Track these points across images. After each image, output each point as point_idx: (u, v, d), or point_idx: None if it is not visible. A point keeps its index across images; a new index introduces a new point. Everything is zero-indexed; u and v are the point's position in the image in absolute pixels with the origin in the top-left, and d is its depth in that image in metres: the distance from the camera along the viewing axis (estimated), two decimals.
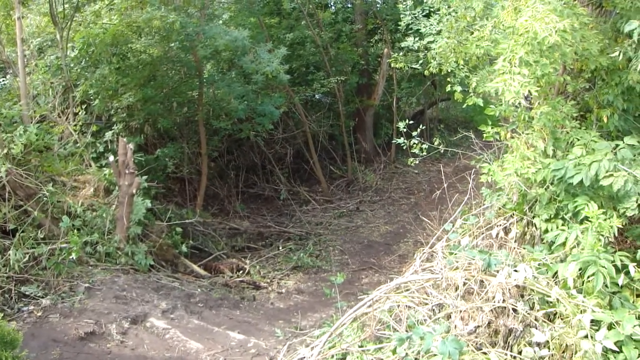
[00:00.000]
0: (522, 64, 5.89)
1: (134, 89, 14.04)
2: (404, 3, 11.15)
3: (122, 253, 10.10)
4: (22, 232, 9.19)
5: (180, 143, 15.85)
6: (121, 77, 13.79)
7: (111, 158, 10.62)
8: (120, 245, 10.13)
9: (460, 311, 5.49)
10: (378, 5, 20.45)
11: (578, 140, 6.44)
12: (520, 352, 5.14)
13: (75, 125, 12.93)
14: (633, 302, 5.66)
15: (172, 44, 13.54)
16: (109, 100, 14.12)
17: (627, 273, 5.52)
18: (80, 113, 13.40)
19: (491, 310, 5.35)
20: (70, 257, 9.00)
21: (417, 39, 10.51)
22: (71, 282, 8.87)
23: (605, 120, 6.81)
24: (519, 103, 6.32)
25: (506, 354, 5.10)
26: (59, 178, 10.88)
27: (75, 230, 9.72)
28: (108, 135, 13.53)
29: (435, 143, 9.09)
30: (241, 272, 12.34)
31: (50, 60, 13.80)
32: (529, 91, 5.90)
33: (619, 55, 6.16)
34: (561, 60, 6.36)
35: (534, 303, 5.56)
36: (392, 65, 12.55)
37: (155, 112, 14.85)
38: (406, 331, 5.84)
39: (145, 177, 11.75)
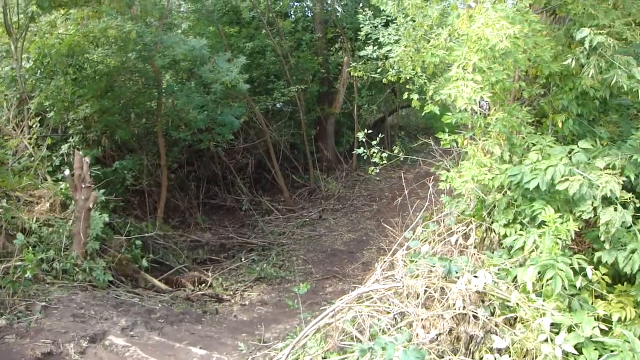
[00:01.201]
0: (475, 70, 5.93)
1: (90, 100, 13.83)
2: (364, 13, 11.18)
3: (80, 269, 9.86)
4: None
5: (139, 155, 15.63)
6: (77, 88, 13.56)
7: (67, 172, 10.38)
8: (77, 261, 9.90)
9: (422, 319, 5.48)
10: (338, 14, 20.55)
11: (534, 145, 6.51)
12: (481, 359, 5.15)
13: (30, 138, 12.67)
14: (592, 304, 5.73)
15: (130, 54, 13.39)
16: (65, 112, 13.86)
17: (585, 275, 5.58)
18: (35, 125, 13.14)
19: (452, 317, 5.35)
20: (26, 275, 8.75)
21: (376, 47, 10.53)
22: (27, 301, 8.59)
23: (560, 125, 6.88)
24: (472, 109, 6.36)
25: None
26: (13, 193, 10.62)
27: (31, 247, 9.49)
28: (64, 148, 13.29)
29: (395, 151, 9.11)
30: (203, 285, 12.18)
31: (5, 71, 13.49)
32: (481, 97, 5.94)
33: (572, 62, 6.24)
34: (514, 66, 6.44)
35: (494, 308, 5.58)
36: (352, 74, 12.58)
37: (113, 124, 14.62)
38: (369, 340, 5.80)
39: (103, 190, 11.54)
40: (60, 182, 11.52)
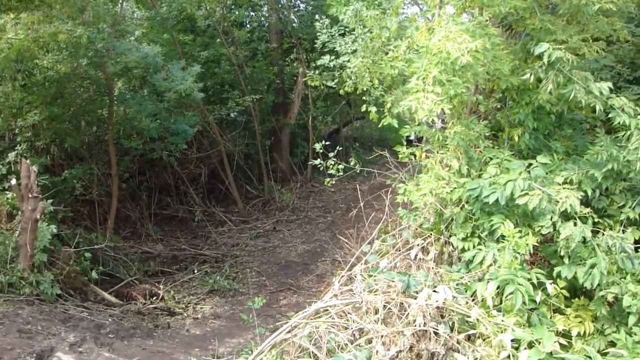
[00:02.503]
0: (435, 83, 5.89)
1: (39, 107, 13.45)
2: (321, 21, 11.10)
3: (26, 283, 9.51)
4: None
5: (89, 164, 15.23)
6: (26, 95, 13.23)
7: (13, 181, 10.02)
8: (24, 274, 9.55)
9: (382, 336, 5.37)
10: (294, 24, 20.48)
11: (492, 159, 6.52)
12: None
13: None
14: (550, 318, 5.74)
15: (81, 60, 13.07)
16: (12, 119, 13.47)
17: (545, 290, 5.58)
18: None
19: (412, 334, 5.26)
20: None
21: (333, 57, 10.45)
22: None
23: (516, 139, 6.93)
24: (432, 122, 6.33)
25: None
26: None
27: None
28: (11, 156, 12.91)
29: (352, 163, 9.03)
30: (155, 298, 11.88)
31: None
32: (442, 110, 5.90)
33: (530, 76, 6.27)
34: (473, 79, 6.44)
35: (454, 323, 5.52)
36: (309, 83, 12.47)
37: (63, 132, 14.23)
38: (327, 357, 5.68)
39: (51, 200, 11.17)
40: (7, 192, 11.15)
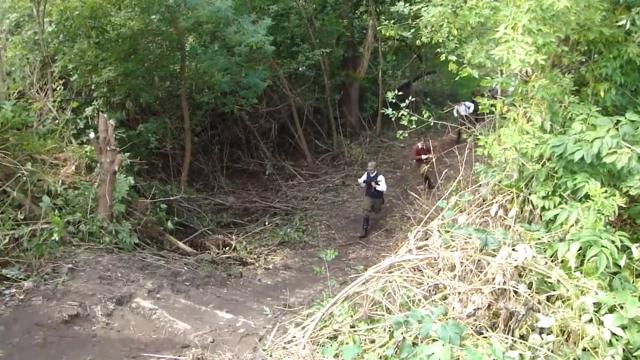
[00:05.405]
0: (525, 32, 5.62)
1: (114, 63, 13.75)
2: None
3: (106, 232, 9.79)
4: (2, 213, 8.78)
5: (163, 118, 15.57)
6: (101, 52, 13.49)
7: (92, 135, 10.26)
8: (103, 224, 9.82)
9: (459, 293, 5.30)
10: None
11: (577, 115, 6.23)
12: (522, 337, 4.96)
13: (54, 101, 12.56)
14: (633, 283, 5.51)
15: (153, 16, 13.20)
16: (88, 76, 13.81)
17: (630, 253, 5.35)
18: (59, 89, 13.04)
19: (491, 292, 5.16)
20: (53, 237, 8.64)
21: (407, 4, 10.06)
22: (54, 263, 8.48)
23: (602, 94, 6.60)
24: (525, 72, 6.06)
25: (507, 338, 4.92)
26: (39, 156, 10.49)
27: (57, 210, 9.40)
28: (88, 111, 13.24)
29: (425, 116, 8.79)
30: (227, 248, 12.17)
31: (28, 35, 13.34)
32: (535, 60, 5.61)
33: (626, 23, 5.90)
34: (564, 28, 6.11)
35: (532, 284, 5.36)
36: (382, 32, 12.04)
37: (137, 87, 14.54)
38: (400, 311, 5.66)
39: (127, 153, 11.49)
40: (85, 145, 11.43)
